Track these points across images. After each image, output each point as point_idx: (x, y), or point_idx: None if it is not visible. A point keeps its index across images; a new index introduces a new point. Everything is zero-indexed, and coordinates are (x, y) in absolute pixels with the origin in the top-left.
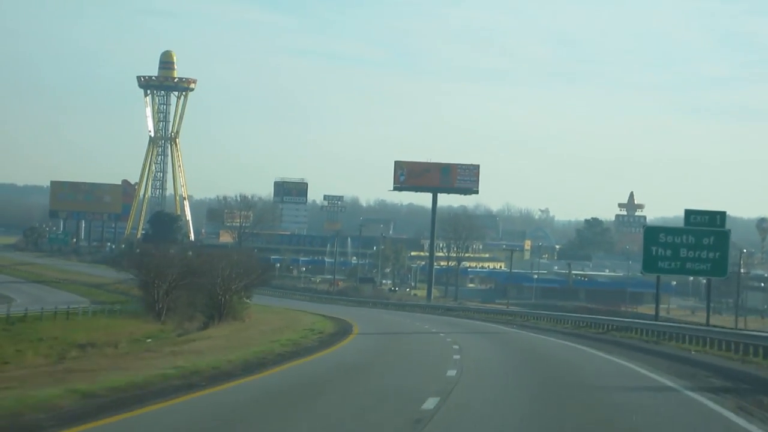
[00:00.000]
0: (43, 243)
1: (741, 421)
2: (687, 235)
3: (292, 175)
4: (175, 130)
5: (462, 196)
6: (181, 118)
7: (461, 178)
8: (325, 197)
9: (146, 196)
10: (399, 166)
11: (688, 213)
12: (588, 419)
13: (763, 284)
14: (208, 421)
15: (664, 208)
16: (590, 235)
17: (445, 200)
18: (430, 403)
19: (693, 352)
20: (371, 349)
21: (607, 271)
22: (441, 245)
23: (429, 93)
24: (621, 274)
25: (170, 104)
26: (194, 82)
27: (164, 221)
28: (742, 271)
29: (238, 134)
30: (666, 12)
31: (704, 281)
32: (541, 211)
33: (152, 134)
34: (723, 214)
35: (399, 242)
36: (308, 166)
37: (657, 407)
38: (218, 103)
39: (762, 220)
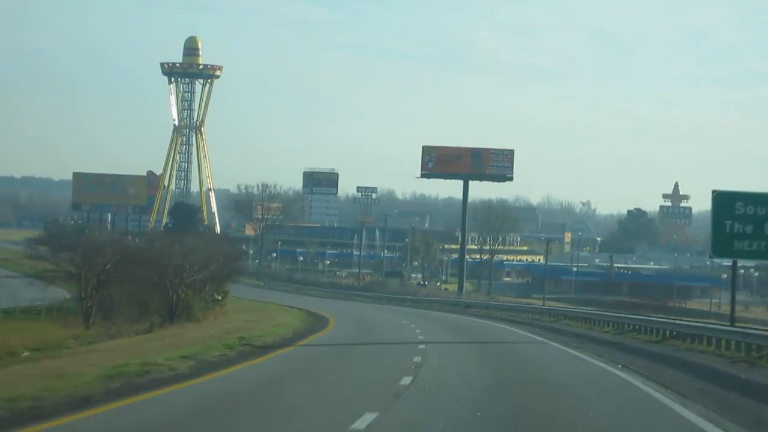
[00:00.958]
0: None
1: None
2: None
3: (321, 166)
4: (200, 119)
5: (496, 183)
6: (206, 106)
7: (494, 164)
8: (358, 189)
9: (170, 187)
10: (427, 151)
11: None
12: None
13: None
14: None
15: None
16: (633, 227)
17: (481, 191)
18: None
19: None
20: (299, 364)
21: (652, 263)
22: (475, 238)
23: (465, 86)
24: (667, 267)
25: (195, 92)
26: (220, 69)
27: (185, 212)
28: None
29: (265, 125)
30: (708, 7)
31: (756, 273)
32: (582, 203)
33: (176, 123)
34: None
35: (430, 234)
36: (338, 158)
37: None
38: (245, 93)
39: None
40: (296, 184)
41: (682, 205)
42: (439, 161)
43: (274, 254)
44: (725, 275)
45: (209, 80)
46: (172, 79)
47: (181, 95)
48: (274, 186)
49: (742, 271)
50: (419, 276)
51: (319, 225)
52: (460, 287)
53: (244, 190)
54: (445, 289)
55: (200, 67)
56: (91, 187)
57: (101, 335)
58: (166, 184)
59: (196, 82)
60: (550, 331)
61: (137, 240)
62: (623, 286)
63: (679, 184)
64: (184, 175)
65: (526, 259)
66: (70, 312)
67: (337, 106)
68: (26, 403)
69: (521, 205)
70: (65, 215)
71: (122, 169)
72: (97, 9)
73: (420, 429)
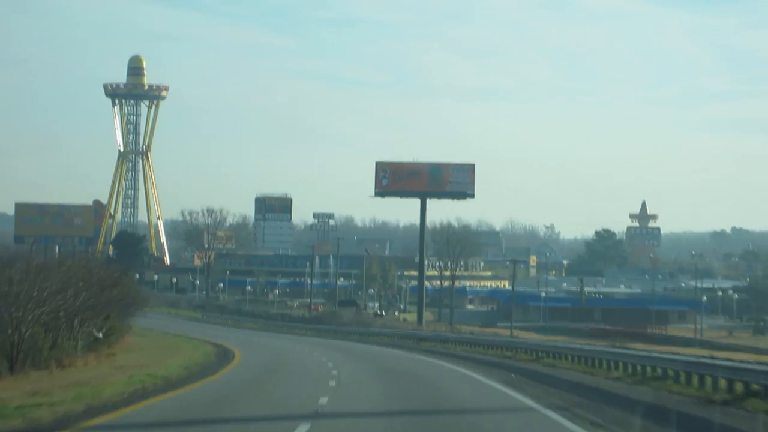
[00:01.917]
0: None
1: None
2: None
3: (274, 192)
4: (146, 143)
5: (456, 201)
6: (152, 129)
7: (454, 179)
8: (315, 215)
9: (116, 216)
10: (381, 167)
11: None
12: None
13: None
14: None
15: (676, 223)
16: (602, 249)
17: (441, 212)
18: None
19: None
20: None
21: (623, 286)
22: (436, 263)
23: (421, 109)
24: (639, 290)
25: (141, 114)
26: (166, 89)
27: (129, 242)
28: None
29: (214, 149)
30: (667, 29)
31: (735, 296)
32: (546, 227)
33: (121, 148)
34: None
35: (388, 260)
36: (292, 184)
37: None
38: (192, 115)
39: None
40: (248, 211)
41: (650, 225)
42: (395, 178)
43: (221, 285)
44: (705, 297)
45: (155, 101)
46: (116, 101)
47: (125, 118)
48: (221, 211)
49: (719, 293)
50: (375, 305)
51: (272, 253)
52: (420, 317)
53: (188, 217)
54: (404, 320)
55: (145, 87)
56: (34, 218)
57: None
58: (112, 212)
59: (142, 103)
60: (534, 380)
61: None
62: (595, 311)
63: (646, 203)
64: (131, 203)
65: (491, 285)
66: None
67: (290, 131)
68: None
69: (484, 230)
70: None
71: (67, 199)
72: (34, 28)
73: None
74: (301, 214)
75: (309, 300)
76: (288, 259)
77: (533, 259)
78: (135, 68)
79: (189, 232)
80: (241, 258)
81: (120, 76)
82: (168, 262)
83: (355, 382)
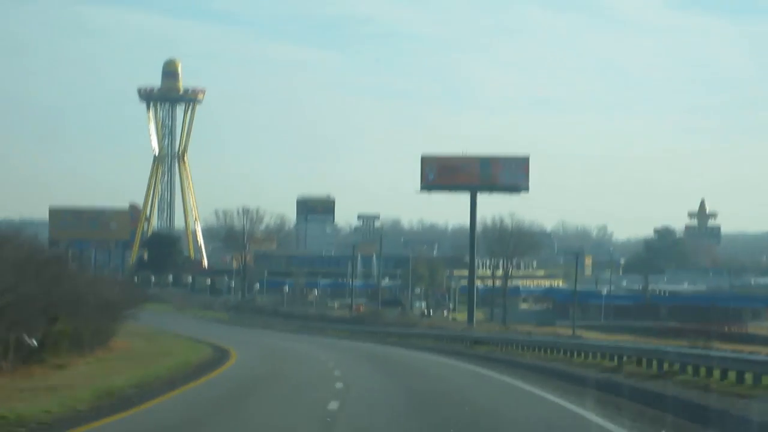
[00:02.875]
0: None
1: None
2: None
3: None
4: (182, 147)
5: (508, 195)
6: (188, 133)
7: (506, 173)
8: (359, 217)
9: (152, 220)
10: (427, 162)
11: None
12: None
13: None
14: None
15: (731, 223)
16: (661, 247)
17: (491, 208)
18: None
19: None
20: None
21: (686, 284)
22: (486, 263)
23: (473, 121)
24: (704, 288)
25: (176, 118)
26: (202, 92)
27: (162, 244)
28: None
29: (254, 152)
30: (713, 38)
31: None
32: (599, 228)
33: (156, 152)
34: None
35: (436, 260)
36: (335, 187)
37: None
38: (230, 118)
39: None
40: (290, 215)
41: (709, 224)
42: (442, 172)
43: (257, 285)
44: None
45: (191, 105)
46: (151, 105)
47: (161, 122)
48: (257, 211)
49: None
50: (422, 305)
51: (314, 255)
52: (471, 316)
53: (222, 217)
54: (453, 319)
55: (180, 91)
56: (69, 222)
57: None
58: (147, 216)
59: (177, 107)
60: (680, 417)
61: None
62: (661, 309)
63: (705, 201)
64: (168, 206)
65: (544, 285)
66: None
67: (333, 140)
68: None
69: (535, 230)
70: None
71: (102, 203)
72: (68, 31)
73: None
74: (346, 217)
75: (350, 300)
76: (330, 260)
77: (588, 259)
78: (170, 72)
79: (227, 234)
80: (280, 259)
81: (155, 81)
82: (206, 265)
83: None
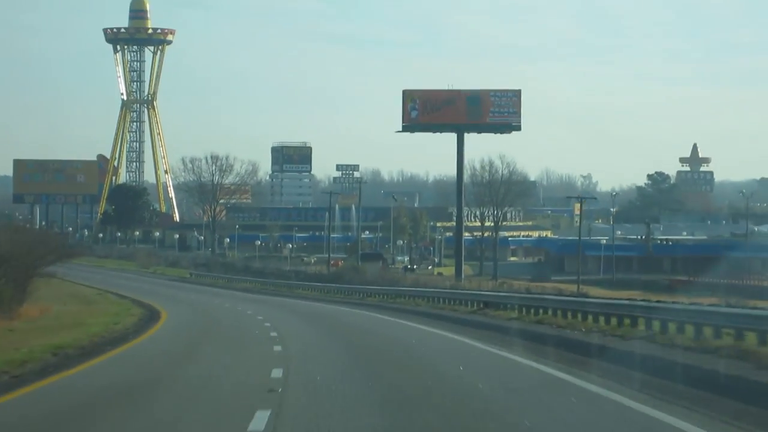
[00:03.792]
0: None
1: None
2: None
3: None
4: (151, 92)
5: (499, 136)
6: (158, 77)
7: (496, 110)
8: (338, 167)
9: (120, 170)
10: (410, 96)
11: None
12: None
13: None
14: None
15: (720, 170)
16: (655, 194)
17: (479, 151)
18: None
19: None
20: None
21: (684, 233)
22: (474, 213)
23: (454, 70)
24: (705, 237)
25: (145, 61)
26: (172, 33)
27: (127, 196)
28: None
29: (226, 98)
30: None
31: None
32: (583, 177)
33: (125, 97)
34: None
35: (419, 210)
36: (312, 137)
37: None
38: (202, 64)
39: None
40: (265, 165)
41: (702, 169)
42: (426, 109)
43: (227, 240)
44: None
45: (160, 47)
46: (118, 47)
47: (128, 65)
48: (227, 158)
49: None
50: (405, 259)
51: (291, 207)
52: (458, 270)
53: (190, 165)
54: (439, 274)
55: (149, 31)
56: (34, 175)
57: None
58: (116, 167)
59: (146, 49)
60: None
61: None
62: (664, 260)
63: (697, 145)
64: (137, 157)
65: (534, 235)
66: None
67: (309, 88)
68: None
69: (518, 179)
70: (3, 209)
71: (68, 154)
72: None
73: None
74: (326, 170)
75: (327, 255)
76: (306, 212)
77: (577, 207)
78: (138, 11)
79: (199, 185)
80: (254, 211)
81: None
82: (177, 219)
83: None
